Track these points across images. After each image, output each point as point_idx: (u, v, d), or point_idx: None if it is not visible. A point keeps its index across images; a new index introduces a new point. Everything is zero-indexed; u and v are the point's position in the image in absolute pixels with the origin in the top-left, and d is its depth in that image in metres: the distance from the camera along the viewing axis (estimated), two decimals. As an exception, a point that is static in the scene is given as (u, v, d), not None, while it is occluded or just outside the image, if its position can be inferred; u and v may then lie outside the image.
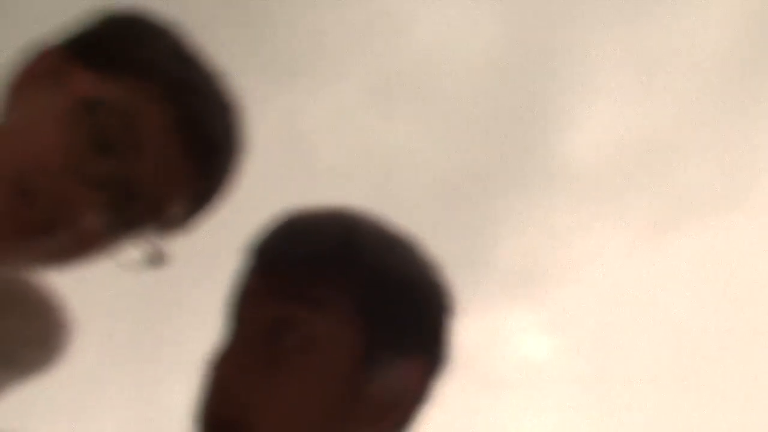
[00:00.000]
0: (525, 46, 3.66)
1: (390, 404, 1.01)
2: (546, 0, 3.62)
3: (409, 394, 1.03)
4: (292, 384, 0.97)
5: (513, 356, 3.89)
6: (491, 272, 3.70)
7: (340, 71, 3.60)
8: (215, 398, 0.97)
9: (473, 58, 3.67)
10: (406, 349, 1.02)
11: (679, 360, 3.69)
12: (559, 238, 3.79)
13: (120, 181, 0.96)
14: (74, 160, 0.95)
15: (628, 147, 3.74)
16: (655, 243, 3.79)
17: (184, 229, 1.05)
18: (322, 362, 0.97)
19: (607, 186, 3.75)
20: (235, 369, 0.97)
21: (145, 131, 0.97)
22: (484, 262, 3.69)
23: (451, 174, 3.71)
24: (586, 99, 3.64)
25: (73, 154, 0.95)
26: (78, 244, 0.98)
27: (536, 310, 3.86)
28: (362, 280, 1.00)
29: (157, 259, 1.03)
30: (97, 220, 0.97)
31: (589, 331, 3.78)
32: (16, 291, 1.10)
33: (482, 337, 3.63)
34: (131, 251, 1.02)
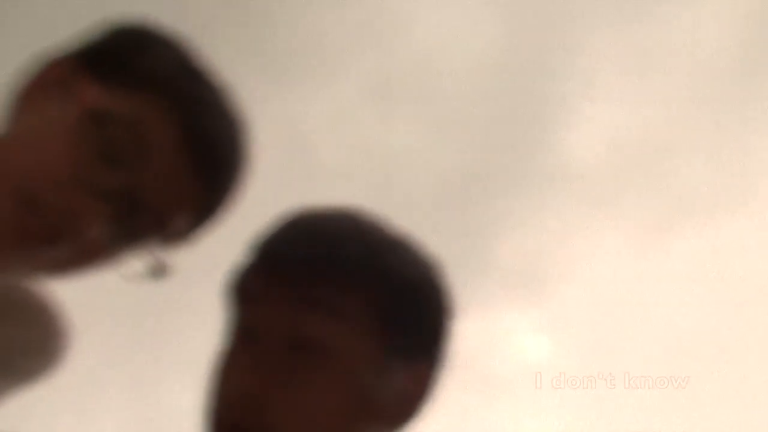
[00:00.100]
0: (524, 46, 3.66)
1: (391, 405, 1.01)
2: (546, 0, 3.62)
3: (410, 395, 1.03)
4: (310, 392, 0.96)
5: (513, 357, 3.89)
6: (491, 272, 3.70)
7: (339, 72, 3.59)
8: (232, 406, 0.96)
9: (473, 58, 3.67)
10: (412, 352, 1.02)
11: (678, 360, 3.68)
12: (559, 238, 3.78)
13: (126, 192, 0.96)
14: (81, 171, 0.95)
15: (628, 147, 3.74)
16: (655, 243, 3.79)
17: (188, 242, 1.05)
18: (341, 370, 0.97)
19: (607, 186, 3.75)
20: (253, 377, 0.96)
21: (152, 144, 0.97)
22: (484, 262, 3.69)
23: (451, 174, 3.71)
24: (585, 99, 3.64)
25: (80, 165, 0.95)
26: (82, 254, 0.98)
27: (536, 310, 3.86)
28: (380, 287, 0.99)
29: (159, 271, 1.02)
30: (102, 232, 0.97)
31: (588, 331, 3.78)
32: (13, 298, 1.09)
33: (482, 337, 3.63)
34: (134, 263, 1.02)
